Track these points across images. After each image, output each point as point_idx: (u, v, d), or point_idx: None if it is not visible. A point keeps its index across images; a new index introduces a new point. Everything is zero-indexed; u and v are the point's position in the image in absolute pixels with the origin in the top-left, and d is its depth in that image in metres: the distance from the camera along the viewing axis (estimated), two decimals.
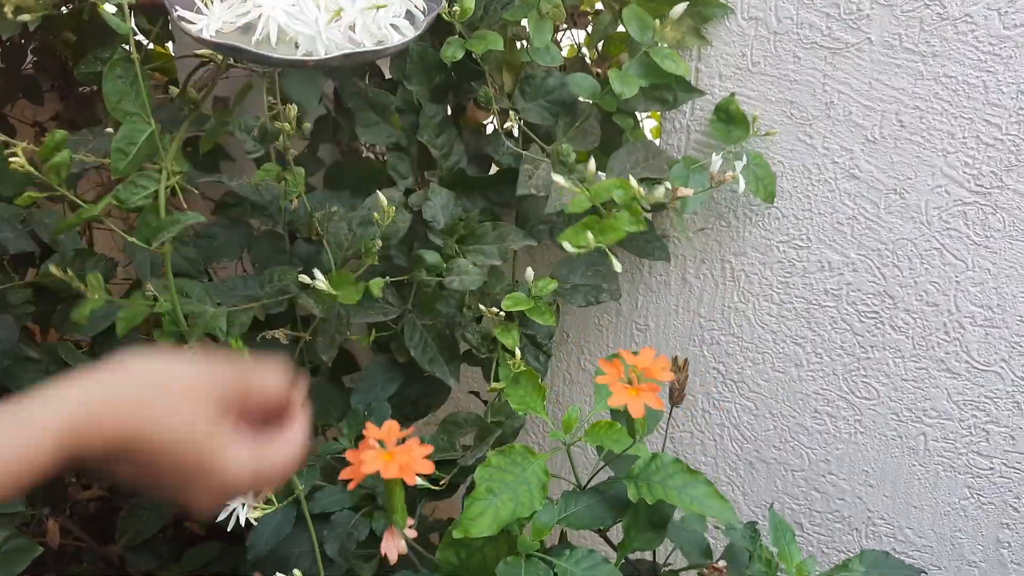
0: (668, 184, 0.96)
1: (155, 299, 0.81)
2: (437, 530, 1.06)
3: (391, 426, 0.63)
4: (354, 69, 1.03)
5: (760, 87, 0.99)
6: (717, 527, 1.03)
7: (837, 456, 1.13)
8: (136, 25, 0.79)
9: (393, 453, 0.61)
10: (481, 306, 0.93)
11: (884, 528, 1.14)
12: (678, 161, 1.00)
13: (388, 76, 1.07)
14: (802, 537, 1.19)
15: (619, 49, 1.07)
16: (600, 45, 1.09)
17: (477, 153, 1.05)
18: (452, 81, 1.01)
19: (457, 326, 0.98)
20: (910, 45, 0.91)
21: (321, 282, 0.85)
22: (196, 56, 0.96)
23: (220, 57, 0.85)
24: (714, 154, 0.93)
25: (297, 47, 0.73)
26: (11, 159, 0.70)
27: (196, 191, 0.87)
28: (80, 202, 0.75)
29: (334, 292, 0.85)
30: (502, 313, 0.92)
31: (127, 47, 0.74)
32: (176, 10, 0.72)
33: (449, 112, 1.03)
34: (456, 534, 0.75)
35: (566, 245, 0.84)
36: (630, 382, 0.70)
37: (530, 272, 0.92)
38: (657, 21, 0.92)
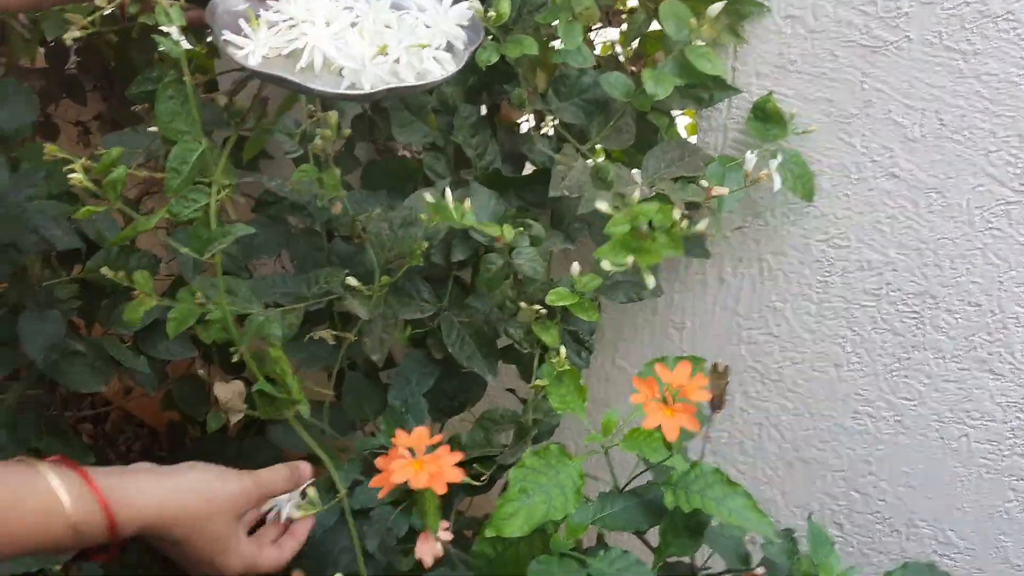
0: (704, 183, 0.95)
1: (206, 298, 0.83)
2: (472, 527, 1.06)
3: (421, 433, 0.63)
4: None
5: (798, 85, 0.97)
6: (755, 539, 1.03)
7: (878, 457, 1.11)
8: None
9: (423, 462, 0.61)
10: (522, 304, 0.93)
11: (926, 530, 1.13)
12: (714, 160, 0.99)
13: None
14: (842, 538, 1.18)
15: (654, 47, 1.07)
16: (635, 43, 1.08)
17: (511, 152, 1.05)
18: (486, 81, 1.01)
19: (498, 322, 0.98)
20: (950, 43, 0.89)
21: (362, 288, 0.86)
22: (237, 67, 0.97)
23: None
24: (748, 152, 0.92)
25: (341, 75, 0.73)
26: (70, 176, 0.72)
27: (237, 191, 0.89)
28: (134, 214, 0.77)
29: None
30: (543, 311, 0.92)
31: (167, 64, 0.75)
32: (224, 34, 0.73)
33: (483, 112, 1.04)
34: (488, 533, 0.75)
35: (604, 264, 0.83)
36: (665, 401, 0.68)
37: (575, 267, 0.91)
38: (694, 20, 0.91)
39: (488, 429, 0.99)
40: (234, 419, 1.03)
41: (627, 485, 0.84)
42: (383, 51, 0.72)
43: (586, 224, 1.02)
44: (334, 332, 0.97)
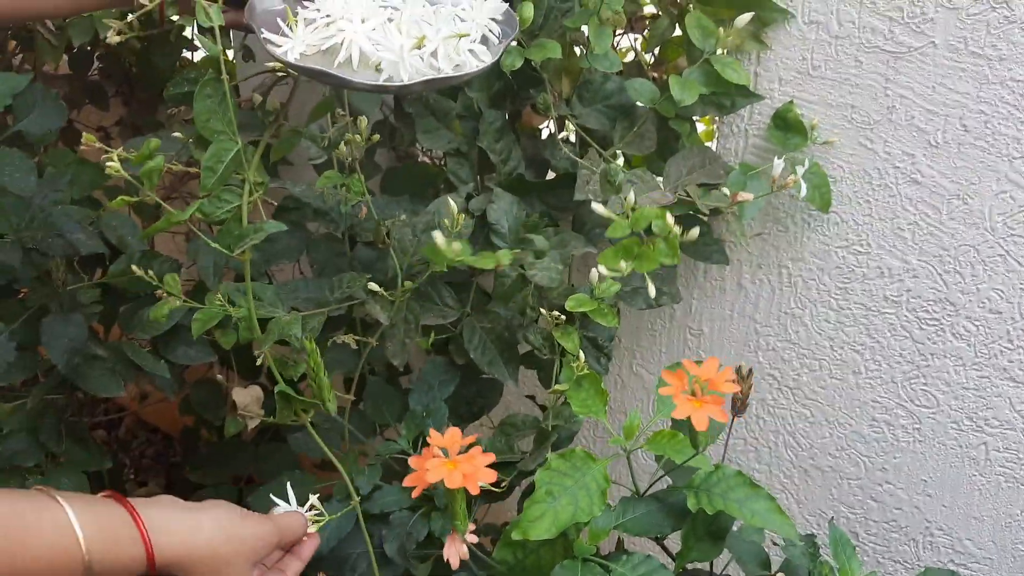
0: (726, 190, 0.96)
1: (230, 302, 0.83)
2: (488, 534, 1.06)
3: (454, 433, 0.63)
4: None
5: (820, 91, 0.98)
6: (776, 542, 1.03)
7: (895, 465, 1.11)
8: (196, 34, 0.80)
9: (457, 462, 0.62)
10: (542, 310, 0.93)
11: (943, 539, 1.12)
12: (735, 167, 1.00)
13: None
14: (858, 547, 1.17)
15: (676, 53, 1.07)
16: (656, 49, 1.09)
17: (534, 158, 1.06)
18: (511, 87, 1.02)
19: (519, 328, 0.98)
20: (975, 49, 0.90)
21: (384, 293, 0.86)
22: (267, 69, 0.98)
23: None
24: (776, 158, 0.93)
25: (378, 70, 0.74)
26: (107, 164, 0.73)
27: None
28: (168, 207, 0.78)
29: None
30: (562, 317, 0.92)
31: (198, 61, 0.76)
32: (263, 32, 0.74)
33: (507, 117, 1.04)
34: (514, 535, 0.75)
35: (602, 269, 0.84)
36: (693, 394, 0.69)
37: (594, 273, 0.92)
38: (721, 29, 0.92)
39: (509, 435, 0.99)
40: (252, 424, 1.04)
41: (648, 489, 0.84)
42: (421, 43, 0.73)
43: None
44: (356, 337, 0.97)
